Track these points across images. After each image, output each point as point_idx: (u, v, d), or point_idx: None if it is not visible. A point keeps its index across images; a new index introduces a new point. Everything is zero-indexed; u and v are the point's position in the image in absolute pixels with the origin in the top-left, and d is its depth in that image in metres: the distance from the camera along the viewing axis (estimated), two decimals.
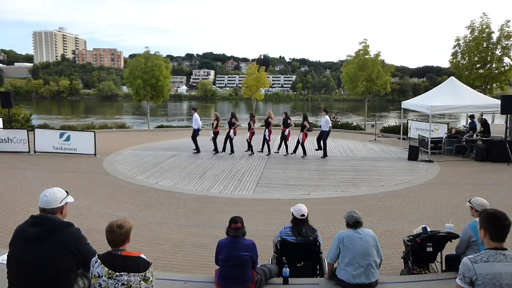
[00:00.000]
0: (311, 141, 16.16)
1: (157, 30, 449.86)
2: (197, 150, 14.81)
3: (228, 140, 14.66)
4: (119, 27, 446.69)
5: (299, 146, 14.42)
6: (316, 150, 14.61)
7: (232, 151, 14.71)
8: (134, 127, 29.95)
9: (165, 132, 22.82)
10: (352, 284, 3.82)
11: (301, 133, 14.17)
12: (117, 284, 2.78)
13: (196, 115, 15.01)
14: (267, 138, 14.61)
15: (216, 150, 14.79)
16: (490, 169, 12.01)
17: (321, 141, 14.33)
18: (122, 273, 2.79)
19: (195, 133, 14.83)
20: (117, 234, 2.87)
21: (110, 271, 2.79)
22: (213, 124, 14.92)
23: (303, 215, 4.38)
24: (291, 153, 14.68)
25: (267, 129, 14.55)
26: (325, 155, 14.27)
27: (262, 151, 14.94)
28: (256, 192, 9.57)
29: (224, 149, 14.83)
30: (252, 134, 14.62)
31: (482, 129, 15.15)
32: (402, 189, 9.86)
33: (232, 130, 14.54)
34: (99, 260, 2.85)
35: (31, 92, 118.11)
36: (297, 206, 4.50)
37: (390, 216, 7.58)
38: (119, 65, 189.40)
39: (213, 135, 14.76)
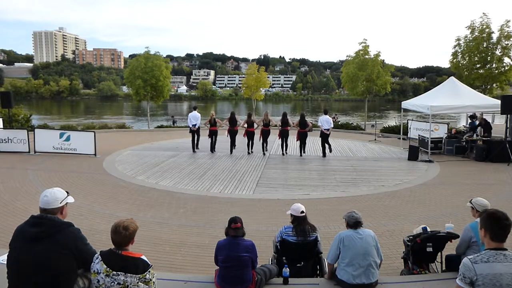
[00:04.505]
0: (310, 142, 16.15)
1: (157, 30, 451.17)
2: (193, 149, 14.85)
3: (231, 139, 14.71)
4: (119, 27, 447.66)
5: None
6: (324, 156, 14.40)
7: (231, 151, 14.73)
8: (134, 127, 29.93)
9: (165, 132, 22.81)
10: (352, 284, 3.82)
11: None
12: (113, 283, 2.78)
13: (191, 113, 15.00)
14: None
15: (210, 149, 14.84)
16: (490, 169, 12.01)
17: (326, 143, 14.41)
18: (119, 273, 2.79)
19: (190, 131, 14.87)
20: (122, 236, 2.87)
21: (108, 269, 2.79)
22: (210, 122, 14.90)
23: (302, 211, 4.40)
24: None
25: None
26: (324, 154, 14.35)
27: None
28: (256, 192, 9.57)
29: (234, 148, 14.92)
30: (247, 133, 14.64)
31: (482, 129, 15.14)
32: (402, 189, 9.86)
33: (227, 129, 14.65)
34: (100, 257, 2.86)
35: (31, 92, 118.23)
36: (294, 205, 4.50)
37: (390, 216, 7.58)
38: (119, 65, 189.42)
39: (208, 134, 14.80)
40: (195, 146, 14.96)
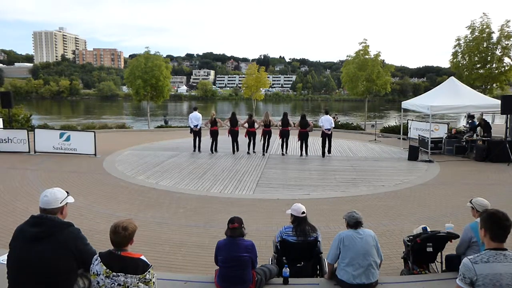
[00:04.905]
0: (310, 142, 16.15)
1: (157, 30, 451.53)
2: (193, 149, 14.87)
3: (232, 139, 14.72)
4: (119, 27, 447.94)
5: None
6: (323, 157, 14.37)
7: (233, 151, 14.75)
8: (134, 127, 29.93)
9: (165, 132, 22.81)
10: (353, 284, 3.82)
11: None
12: (113, 284, 2.78)
13: (191, 114, 15.01)
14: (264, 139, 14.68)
15: (211, 149, 14.83)
16: (490, 169, 12.01)
17: (328, 144, 14.43)
18: (119, 274, 2.78)
19: (191, 132, 14.87)
20: (121, 236, 2.87)
21: (108, 270, 2.79)
22: (210, 122, 14.87)
23: (303, 212, 4.40)
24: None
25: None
26: (323, 155, 14.37)
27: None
28: (256, 192, 9.57)
29: (237, 149, 14.93)
30: (248, 133, 14.64)
31: (482, 129, 15.13)
32: (402, 189, 9.86)
33: (227, 129, 14.66)
34: (99, 258, 2.85)
35: (31, 92, 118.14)
36: (294, 205, 4.49)
37: (390, 216, 7.58)
38: (119, 65, 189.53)
39: (209, 135, 14.81)
40: (196, 147, 14.95)
